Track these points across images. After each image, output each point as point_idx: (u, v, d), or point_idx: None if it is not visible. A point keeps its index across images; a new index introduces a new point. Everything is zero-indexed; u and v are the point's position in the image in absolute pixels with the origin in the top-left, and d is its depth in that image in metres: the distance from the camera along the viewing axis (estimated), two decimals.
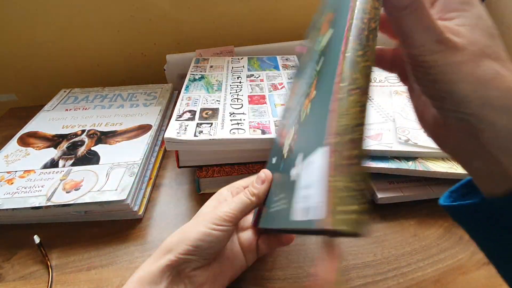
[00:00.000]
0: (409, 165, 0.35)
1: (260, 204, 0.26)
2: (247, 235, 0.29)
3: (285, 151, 0.23)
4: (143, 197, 0.38)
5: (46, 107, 0.51)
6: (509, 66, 0.16)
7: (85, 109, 0.51)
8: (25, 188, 0.35)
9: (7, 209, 0.33)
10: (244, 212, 0.26)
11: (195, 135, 0.36)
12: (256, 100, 0.44)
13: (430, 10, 0.16)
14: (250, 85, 0.47)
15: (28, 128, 0.46)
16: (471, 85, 0.15)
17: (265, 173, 0.27)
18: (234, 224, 0.25)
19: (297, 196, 0.15)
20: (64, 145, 0.42)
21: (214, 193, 0.29)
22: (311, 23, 0.28)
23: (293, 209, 0.14)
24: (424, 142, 0.36)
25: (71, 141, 0.43)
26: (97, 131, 0.45)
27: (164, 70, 0.58)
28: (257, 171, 0.28)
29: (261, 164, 0.39)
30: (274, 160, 0.28)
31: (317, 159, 0.12)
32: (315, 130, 0.15)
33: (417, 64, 0.16)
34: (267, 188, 0.26)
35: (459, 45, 0.15)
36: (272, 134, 0.36)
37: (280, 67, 0.52)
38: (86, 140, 0.43)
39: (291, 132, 0.22)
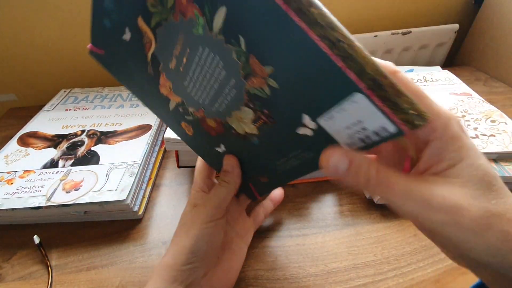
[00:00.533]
0: None
1: (241, 184, 0.27)
2: (239, 221, 0.30)
3: (251, 131, 0.22)
4: (143, 197, 0.38)
5: (46, 107, 0.51)
6: None
7: (85, 109, 0.51)
8: (25, 188, 0.35)
9: (7, 209, 0.33)
10: (226, 200, 0.26)
11: None
12: None
13: (397, 175, 0.15)
14: None
15: (28, 128, 0.46)
16: (495, 255, 0.14)
17: (230, 160, 0.26)
18: (222, 215, 0.25)
19: (341, 138, 0.16)
20: (64, 145, 0.42)
21: None
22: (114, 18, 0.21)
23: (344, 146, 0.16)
24: None
25: (71, 141, 0.43)
26: (97, 131, 0.45)
27: None
28: None
29: None
30: (221, 149, 0.26)
31: (351, 105, 0.14)
32: (315, 92, 0.15)
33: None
34: (238, 171, 0.26)
35: (462, 208, 0.14)
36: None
37: None
38: (86, 140, 0.43)
39: (244, 114, 0.21)
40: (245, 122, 0.21)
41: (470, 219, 0.14)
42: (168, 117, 0.27)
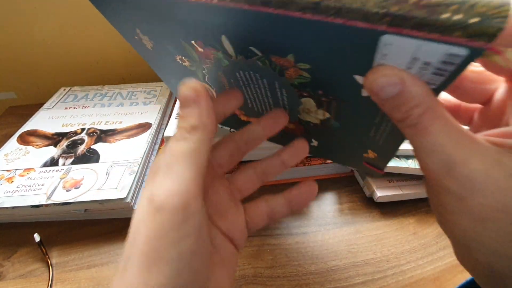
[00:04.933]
0: (409, 164, 0.35)
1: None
2: (228, 216, 0.21)
3: (324, 116, 0.22)
4: None
5: (45, 106, 0.51)
6: None
7: (85, 107, 0.50)
8: (25, 186, 0.35)
9: (7, 208, 0.33)
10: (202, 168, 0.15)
11: None
12: None
13: (450, 119, 0.12)
14: None
15: (28, 126, 0.46)
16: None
17: (191, 87, 0.16)
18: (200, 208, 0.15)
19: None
20: (64, 143, 0.42)
21: None
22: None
23: None
24: None
25: (71, 139, 0.43)
26: (97, 129, 0.45)
27: None
28: None
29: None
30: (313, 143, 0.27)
31: (389, 47, 0.12)
32: (344, 55, 0.14)
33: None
34: (206, 104, 0.16)
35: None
36: None
37: None
38: (86, 138, 0.43)
39: (307, 105, 0.21)
40: (312, 111, 0.22)
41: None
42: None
